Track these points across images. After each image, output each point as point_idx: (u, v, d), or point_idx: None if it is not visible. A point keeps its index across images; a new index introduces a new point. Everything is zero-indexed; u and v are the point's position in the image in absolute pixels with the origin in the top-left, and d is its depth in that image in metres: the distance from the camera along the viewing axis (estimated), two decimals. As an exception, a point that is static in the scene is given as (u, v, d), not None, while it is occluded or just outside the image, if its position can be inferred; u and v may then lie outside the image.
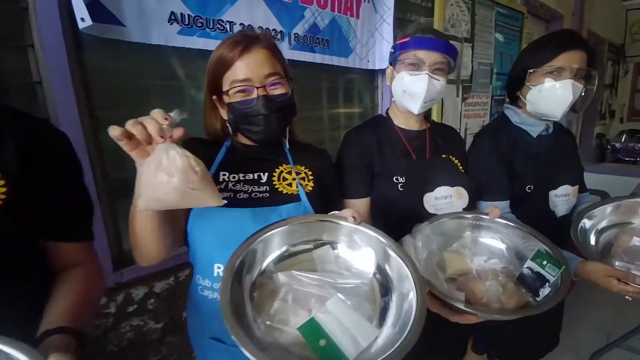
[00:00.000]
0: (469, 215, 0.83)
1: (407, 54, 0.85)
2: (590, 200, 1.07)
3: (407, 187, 0.85)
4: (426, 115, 1.00)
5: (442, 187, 0.88)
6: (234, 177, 0.71)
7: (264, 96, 0.66)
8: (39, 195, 0.51)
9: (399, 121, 0.94)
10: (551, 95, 0.91)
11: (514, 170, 0.96)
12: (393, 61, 0.89)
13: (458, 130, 2.13)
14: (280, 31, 1.18)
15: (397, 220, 0.86)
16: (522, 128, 1.01)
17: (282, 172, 0.75)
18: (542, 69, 0.91)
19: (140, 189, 0.51)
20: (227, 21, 1.04)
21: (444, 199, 0.88)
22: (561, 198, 0.99)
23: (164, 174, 0.50)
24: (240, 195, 0.68)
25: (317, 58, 1.30)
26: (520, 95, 0.98)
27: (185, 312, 0.78)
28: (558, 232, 0.88)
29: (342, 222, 0.64)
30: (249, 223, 0.63)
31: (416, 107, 0.86)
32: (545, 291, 0.64)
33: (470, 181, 0.93)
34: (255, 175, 0.72)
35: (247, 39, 0.66)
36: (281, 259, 0.61)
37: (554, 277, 0.63)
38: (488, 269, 0.70)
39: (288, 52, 1.21)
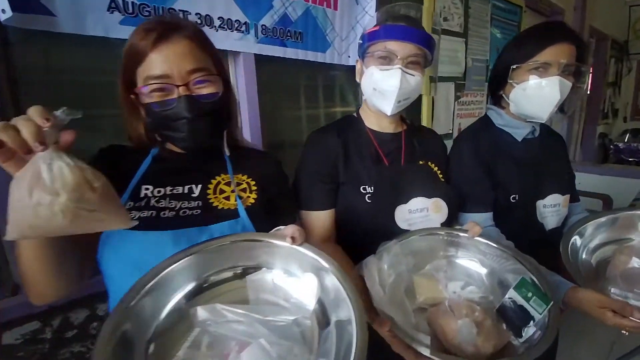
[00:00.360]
0: (445, 232, 0.71)
1: (376, 46, 0.74)
2: (583, 212, 0.96)
3: (376, 198, 0.74)
4: (402, 115, 0.89)
5: (418, 198, 0.77)
6: (158, 192, 0.59)
7: (187, 96, 0.55)
8: None
9: (371, 122, 0.83)
10: (536, 94, 0.80)
11: (497, 178, 0.85)
12: (362, 54, 0.78)
13: (450, 131, 2.04)
14: (245, 22, 1.06)
15: (364, 236, 0.75)
16: (505, 131, 0.90)
17: (219, 183, 0.64)
18: (527, 65, 0.80)
19: (9, 213, 0.40)
20: (179, 10, 0.93)
21: (420, 212, 0.76)
22: (550, 209, 0.87)
23: (44, 193, 0.39)
24: (164, 214, 0.57)
25: (289, 53, 1.19)
26: (503, 95, 0.87)
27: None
28: (548, 248, 0.77)
29: (277, 242, 0.52)
30: (169, 248, 0.52)
31: (389, 107, 0.75)
32: (529, 331, 0.53)
33: (450, 191, 0.81)
34: (186, 188, 0.61)
35: (164, 26, 0.55)
36: (199, 291, 0.49)
37: (540, 314, 0.52)
38: (463, 301, 0.59)
39: (255, 46, 1.10)
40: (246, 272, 0.52)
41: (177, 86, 0.55)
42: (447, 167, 0.88)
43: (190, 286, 0.49)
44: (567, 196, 0.90)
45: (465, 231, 0.70)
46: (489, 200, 0.85)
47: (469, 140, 0.88)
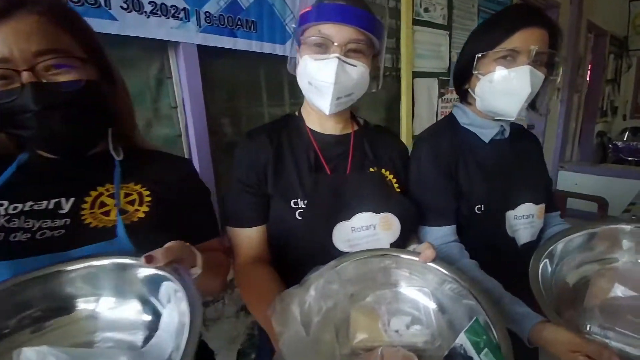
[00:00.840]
0: (392, 255, 0.58)
1: (310, 30, 0.61)
2: (562, 223, 0.84)
3: (308, 214, 0.61)
4: (354, 113, 0.76)
5: (364, 213, 0.64)
6: (14, 209, 0.47)
7: (34, 83, 0.43)
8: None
9: (313, 122, 0.70)
10: (503, 88, 0.67)
11: (460, 185, 0.73)
12: (298, 40, 0.65)
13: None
14: (184, 8, 0.94)
15: (296, 260, 0.63)
16: (471, 131, 0.77)
17: (100, 195, 0.52)
18: (493, 53, 0.67)
19: None
20: (100, -6, 0.80)
21: (365, 230, 0.64)
22: (522, 220, 0.75)
23: None
24: (16, 237, 0.45)
25: (240, 44, 1.06)
26: (469, 89, 0.74)
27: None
28: (519, 266, 0.64)
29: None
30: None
31: (326, 105, 0.61)
32: None
33: (405, 204, 0.69)
34: (52, 202, 0.49)
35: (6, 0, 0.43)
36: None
37: None
38: (399, 350, 0.47)
39: (197, 36, 0.97)
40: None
41: (20, 71, 0.43)
42: (406, 173, 0.76)
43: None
44: (542, 206, 0.77)
45: (417, 254, 0.57)
46: (450, 212, 0.73)
47: (429, 142, 0.75)
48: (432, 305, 0.55)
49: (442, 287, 0.56)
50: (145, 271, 0.41)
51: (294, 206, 0.62)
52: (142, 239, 0.48)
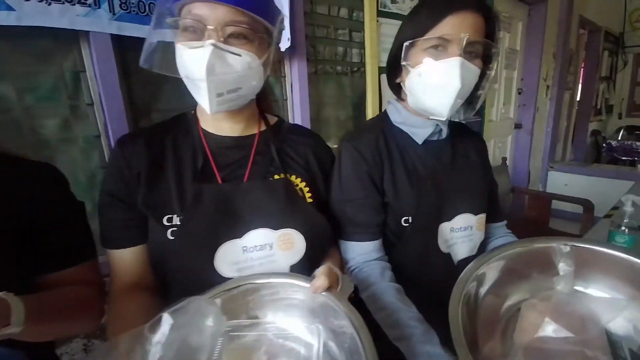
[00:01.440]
0: (277, 282, 0.48)
1: (183, 12, 0.50)
2: (508, 234, 0.74)
3: (183, 233, 0.51)
4: (263, 110, 0.66)
5: (259, 230, 0.54)
6: None
7: None
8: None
9: (206, 122, 0.60)
10: (432, 82, 0.58)
11: (385, 195, 0.63)
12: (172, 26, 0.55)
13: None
14: (92, -6, 0.83)
15: (177, 288, 0.53)
16: (404, 131, 0.67)
17: None
18: (423, 42, 0.58)
19: None
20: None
21: (259, 250, 0.54)
22: (459, 233, 0.65)
23: None
24: None
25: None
26: (401, 83, 0.64)
27: None
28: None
29: None
30: None
31: (206, 103, 0.51)
32: None
33: (315, 218, 0.59)
34: None
35: None
36: None
37: None
38: None
39: (111, 25, 0.87)
40: None
41: None
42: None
43: None
44: (482, 216, 0.67)
45: (308, 281, 0.47)
46: (374, 224, 0.63)
47: (351, 143, 0.65)
48: (318, 344, 0.45)
49: (335, 321, 0.46)
50: None
51: (167, 223, 0.51)
52: None
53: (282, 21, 0.56)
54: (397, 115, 0.68)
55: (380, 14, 1.53)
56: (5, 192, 0.47)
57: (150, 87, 1.03)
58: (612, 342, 0.46)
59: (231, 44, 0.50)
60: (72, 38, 0.88)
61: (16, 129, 0.86)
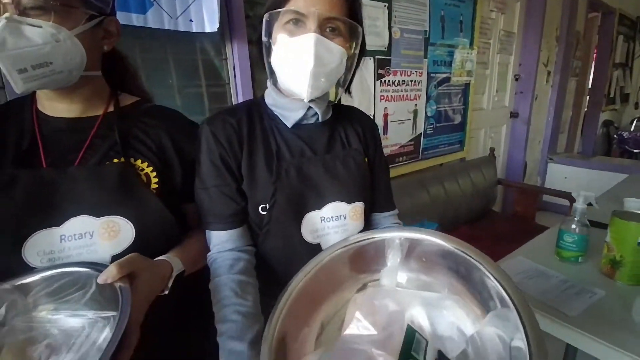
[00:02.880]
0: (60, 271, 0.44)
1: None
2: (395, 225, 0.68)
3: None
4: (126, 88, 0.61)
5: (80, 217, 0.49)
6: None
7: None
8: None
9: (41, 103, 0.55)
10: (288, 60, 0.54)
11: (242, 180, 0.58)
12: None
13: (372, 117, 1.71)
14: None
15: None
16: (275, 113, 0.61)
17: None
18: (281, 17, 0.53)
19: None
20: None
21: (78, 239, 0.49)
22: (331, 223, 0.60)
23: None
24: None
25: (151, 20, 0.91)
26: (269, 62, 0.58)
27: None
28: None
29: None
30: None
31: (10, 80, 0.46)
32: None
33: (152, 206, 0.53)
34: None
35: None
36: None
37: None
38: None
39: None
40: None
41: None
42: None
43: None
44: (358, 205, 0.61)
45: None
46: (227, 214, 0.57)
47: (210, 127, 0.59)
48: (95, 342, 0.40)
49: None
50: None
51: None
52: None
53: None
54: (269, 97, 0.62)
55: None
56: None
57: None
58: (417, 341, 0.39)
59: (30, 16, 0.44)
60: None
61: None
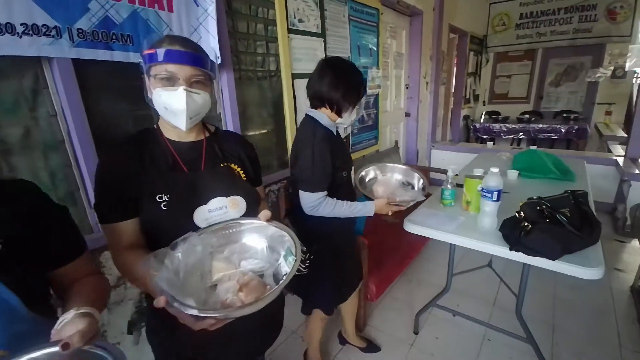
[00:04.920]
0: (237, 222, 0.85)
1: (158, 68, 0.78)
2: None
3: (172, 205, 0.82)
4: (205, 123, 0.97)
5: (217, 198, 0.88)
6: None
7: None
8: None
9: (170, 134, 0.88)
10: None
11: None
12: (146, 73, 0.82)
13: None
14: (55, 27, 1.02)
15: (168, 241, 0.83)
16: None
17: None
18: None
19: None
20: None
21: (219, 210, 0.88)
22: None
23: None
24: None
25: (117, 56, 1.18)
26: None
27: None
28: None
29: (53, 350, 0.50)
30: None
31: (182, 124, 0.81)
32: (282, 281, 0.69)
33: (249, 188, 0.95)
34: None
35: None
36: None
37: (289, 267, 0.72)
38: (237, 272, 0.74)
39: (71, 50, 1.07)
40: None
41: None
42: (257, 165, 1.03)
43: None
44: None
45: (257, 219, 0.85)
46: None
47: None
48: (264, 245, 0.84)
49: (271, 234, 0.85)
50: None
51: (159, 200, 0.82)
52: (5, 273, 0.53)
53: (216, 68, 0.89)
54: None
55: (290, 31, 1.91)
56: (5, 217, 0.56)
57: (108, 98, 1.24)
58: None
59: (194, 87, 0.82)
60: (31, 60, 1.05)
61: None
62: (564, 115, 5.53)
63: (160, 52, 0.77)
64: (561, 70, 5.96)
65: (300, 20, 1.97)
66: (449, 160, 4.11)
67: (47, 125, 1.12)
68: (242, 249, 0.84)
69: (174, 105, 0.79)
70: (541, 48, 5.81)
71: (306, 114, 1.35)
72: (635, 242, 2.81)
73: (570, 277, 1.12)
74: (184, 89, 0.78)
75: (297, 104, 2.03)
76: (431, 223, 1.49)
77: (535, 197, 1.30)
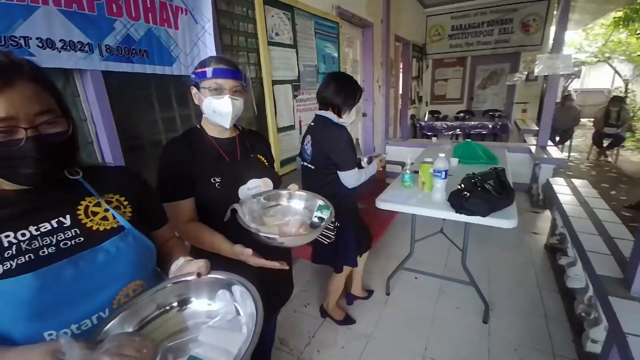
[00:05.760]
0: (278, 192, 1.14)
1: (208, 82, 1.04)
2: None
3: (223, 184, 1.07)
4: (235, 124, 1.24)
5: (252, 179, 1.15)
6: (23, 235, 0.57)
7: (36, 137, 0.56)
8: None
9: (212, 132, 1.14)
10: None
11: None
12: (196, 85, 1.07)
13: (293, 124, 2.55)
14: (88, 43, 1.20)
15: (220, 213, 1.07)
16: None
17: (87, 207, 0.65)
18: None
19: None
20: (20, 37, 1.02)
21: (255, 188, 1.15)
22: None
23: None
24: (44, 251, 0.57)
25: (136, 68, 1.37)
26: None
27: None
28: None
29: (191, 278, 0.68)
30: (67, 274, 0.57)
31: (227, 123, 1.07)
32: (322, 224, 1.01)
33: (274, 172, 1.23)
34: (54, 222, 0.60)
35: (4, 69, 0.54)
36: (145, 324, 0.63)
37: (327, 215, 1.03)
38: (293, 222, 1.02)
39: (101, 64, 1.25)
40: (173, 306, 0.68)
41: (26, 129, 0.54)
42: (271, 155, 1.31)
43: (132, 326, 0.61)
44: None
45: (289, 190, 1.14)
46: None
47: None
48: (302, 205, 1.13)
49: (306, 198, 1.14)
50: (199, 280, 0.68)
51: (213, 182, 1.07)
52: (140, 229, 0.67)
53: (249, 80, 1.17)
54: None
55: (269, 43, 2.18)
56: (123, 186, 0.74)
57: (133, 104, 1.41)
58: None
59: (234, 95, 1.08)
60: (64, 71, 1.21)
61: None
62: (490, 113, 6.47)
63: (209, 70, 1.03)
64: (486, 75, 6.94)
65: (276, 34, 2.25)
66: (402, 153, 4.63)
67: (80, 129, 1.28)
68: (285, 210, 1.13)
69: (222, 109, 1.06)
70: (470, 56, 6.72)
71: (316, 115, 1.73)
72: (547, 212, 3.54)
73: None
74: (229, 97, 1.05)
75: (277, 107, 2.31)
76: (396, 200, 1.88)
77: (470, 174, 1.75)
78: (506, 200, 1.64)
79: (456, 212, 1.64)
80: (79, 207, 0.64)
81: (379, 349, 1.83)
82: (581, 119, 6.49)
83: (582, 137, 8.48)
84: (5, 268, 0.53)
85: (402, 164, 2.15)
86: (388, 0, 4.24)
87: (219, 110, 1.06)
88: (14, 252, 0.55)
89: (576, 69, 13.46)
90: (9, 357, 0.49)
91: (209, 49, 1.69)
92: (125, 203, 0.71)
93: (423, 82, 7.15)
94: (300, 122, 2.63)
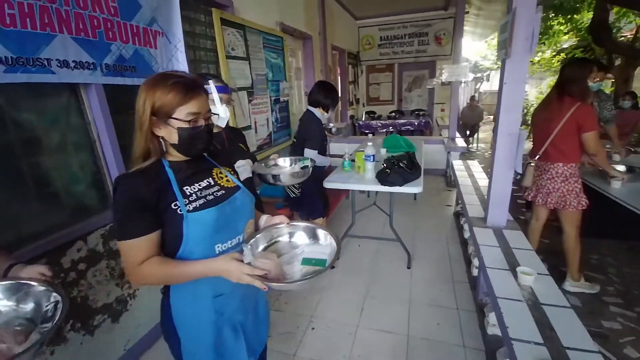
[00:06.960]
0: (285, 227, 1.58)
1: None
2: None
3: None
4: None
5: (239, 160, 1.59)
6: (194, 188, 0.88)
7: (208, 125, 0.88)
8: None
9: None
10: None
11: None
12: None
13: (249, 124, 2.97)
14: (92, 62, 1.52)
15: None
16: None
17: (217, 174, 0.96)
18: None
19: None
20: (45, 58, 1.32)
21: (242, 166, 1.59)
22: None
23: None
24: (209, 197, 0.88)
25: (127, 81, 1.70)
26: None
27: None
28: None
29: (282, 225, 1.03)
30: (227, 210, 0.89)
31: (223, 123, 1.50)
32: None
33: (252, 154, 1.68)
34: (205, 182, 0.91)
35: (194, 84, 0.83)
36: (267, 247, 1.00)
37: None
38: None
39: (102, 78, 1.57)
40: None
41: (205, 119, 0.86)
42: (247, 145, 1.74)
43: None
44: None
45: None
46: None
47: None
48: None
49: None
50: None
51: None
52: (248, 189, 1.00)
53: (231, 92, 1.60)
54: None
55: (227, 56, 2.58)
56: (229, 162, 1.08)
57: (128, 110, 1.73)
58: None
59: (226, 104, 1.51)
60: (69, 86, 1.52)
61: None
62: (416, 112, 7.51)
63: (215, 87, 1.45)
64: (411, 80, 8.01)
65: (232, 49, 2.66)
66: (343, 148, 5.28)
67: (84, 131, 1.58)
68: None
69: (221, 114, 1.48)
70: (397, 63, 7.69)
71: (307, 109, 2.27)
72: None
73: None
74: (225, 105, 1.48)
75: (235, 113, 2.71)
76: (339, 180, 2.43)
77: (390, 156, 2.37)
78: (415, 174, 2.29)
79: (381, 185, 2.24)
80: (213, 173, 0.95)
81: (333, 296, 2.36)
82: (487, 116, 7.85)
83: (490, 131, 10.14)
84: (193, 206, 0.84)
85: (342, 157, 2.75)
86: (323, 15, 4.84)
87: (220, 115, 1.49)
88: (195, 198, 0.85)
89: (484, 73, 15.76)
90: (212, 262, 0.82)
91: (181, 63, 2.05)
92: (232, 173, 1.04)
93: (359, 85, 7.96)
94: (255, 123, 3.05)
